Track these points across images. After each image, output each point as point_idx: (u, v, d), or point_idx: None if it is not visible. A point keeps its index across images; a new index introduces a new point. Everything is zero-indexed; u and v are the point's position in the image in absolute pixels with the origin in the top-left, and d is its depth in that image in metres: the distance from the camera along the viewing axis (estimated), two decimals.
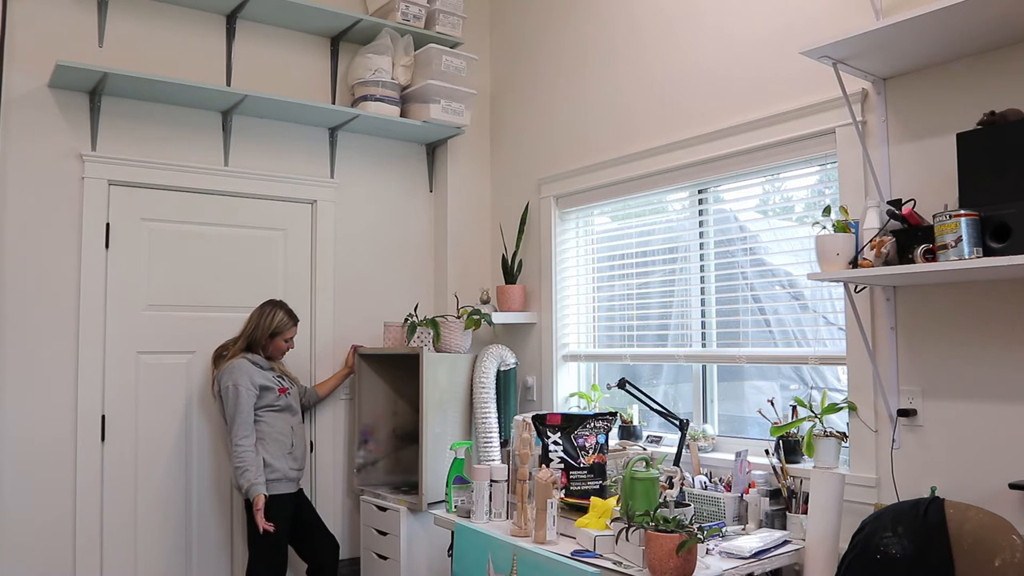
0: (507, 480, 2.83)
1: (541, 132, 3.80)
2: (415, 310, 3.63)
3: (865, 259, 2.14)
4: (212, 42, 3.47)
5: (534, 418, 2.79)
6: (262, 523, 2.95)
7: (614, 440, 3.23)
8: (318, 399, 3.55)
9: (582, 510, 2.54)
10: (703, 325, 3.07)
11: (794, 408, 2.59)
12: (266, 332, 3.21)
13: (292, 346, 3.32)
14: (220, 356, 3.23)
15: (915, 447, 2.31)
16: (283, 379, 3.25)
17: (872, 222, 2.20)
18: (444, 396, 3.38)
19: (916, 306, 2.33)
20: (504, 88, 4.07)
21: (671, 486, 2.58)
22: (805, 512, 2.39)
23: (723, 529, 2.42)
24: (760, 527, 2.48)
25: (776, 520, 2.46)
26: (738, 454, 2.62)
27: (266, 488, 3.02)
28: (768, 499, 2.47)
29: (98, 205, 3.17)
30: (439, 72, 3.69)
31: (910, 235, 2.11)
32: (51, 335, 3.06)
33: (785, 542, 2.34)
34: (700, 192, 3.10)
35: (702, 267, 3.09)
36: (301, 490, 3.30)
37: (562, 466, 2.68)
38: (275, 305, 3.26)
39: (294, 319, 3.29)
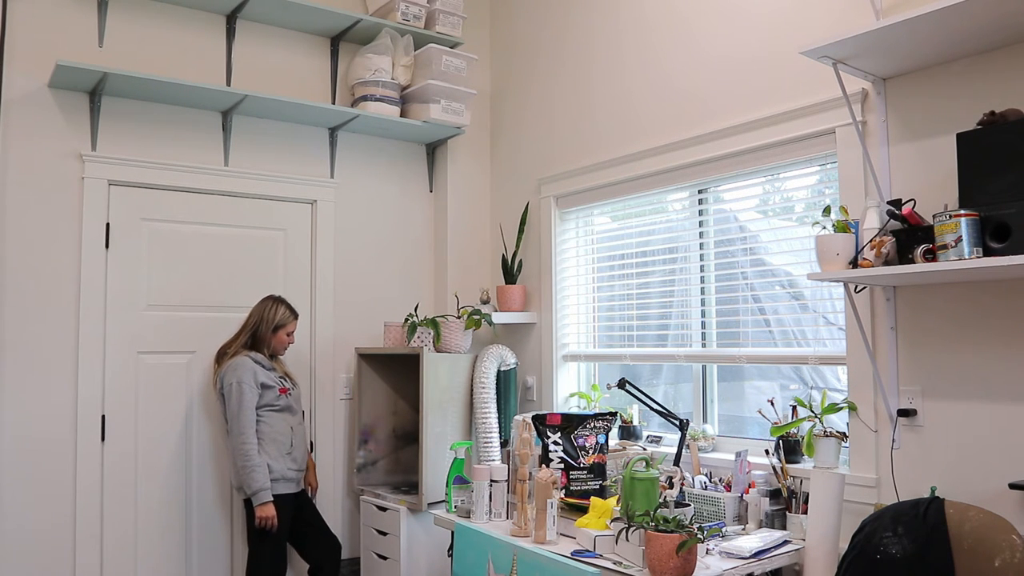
0: (507, 480, 2.83)
1: (541, 132, 3.80)
2: (415, 310, 3.63)
3: (865, 259, 2.14)
4: (212, 42, 3.47)
5: (534, 418, 2.79)
6: (266, 523, 2.98)
7: (614, 440, 3.23)
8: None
9: (582, 510, 2.54)
10: (703, 325, 3.07)
11: (794, 408, 2.59)
12: (270, 326, 3.22)
13: (293, 340, 3.32)
14: (223, 354, 3.22)
15: (915, 447, 2.31)
16: (285, 379, 3.25)
17: (872, 222, 2.20)
18: (444, 396, 3.38)
19: (916, 306, 2.33)
20: (504, 88, 4.07)
21: (671, 486, 2.58)
22: (805, 512, 2.39)
23: (723, 529, 2.42)
24: (760, 527, 2.48)
25: (776, 520, 2.46)
26: (738, 454, 2.62)
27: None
28: (768, 499, 2.47)
29: (98, 205, 3.17)
30: (439, 72, 3.69)
31: (910, 235, 2.11)
32: (51, 335, 3.06)
33: (785, 542, 2.34)
34: (700, 192, 3.10)
35: (702, 267, 3.09)
36: (304, 490, 3.30)
37: (562, 466, 2.68)
38: (276, 300, 3.28)
39: (295, 313, 3.31)
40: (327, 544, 3.28)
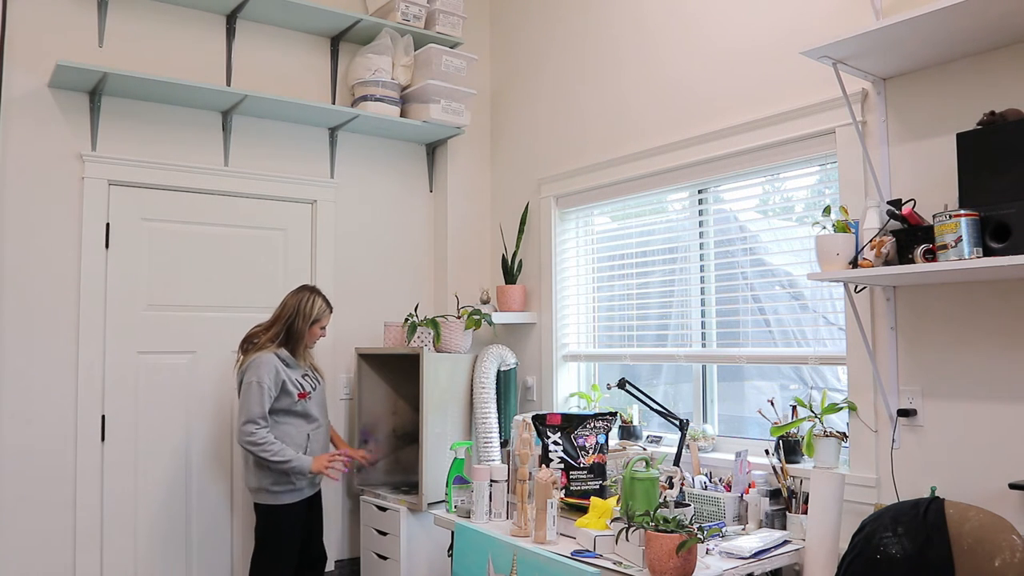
0: (507, 480, 2.83)
1: (541, 132, 3.80)
2: (415, 310, 3.63)
3: (865, 259, 2.14)
4: (212, 42, 3.47)
5: (534, 418, 2.79)
6: (353, 455, 3.17)
7: (614, 440, 3.23)
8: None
9: (582, 510, 2.54)
10: (703, 325, 3.07)
11: (794, 408, 2.59)
12: (307, 320, 3.06)
13: (325, 335, 3.20)
14: (250, 343, 3.06)
15: (915, 447, 2.31)
16: (307, 379, 3.10)
17: (872, 222, 2.20)
18: (444, 396, 3.38)
19: (916, 306, 2.33)
20: (504, 88, 4.07)
21: (671, 486, 2.58)
22: (805, 512, 2.39)
23: (723, 529, 2.42)
24: (760, 527, 2.48)
25: (776, 520, 2.46)
26: (738, 454, 2.62)
27: (277, 498, 2.95)
28: (768, 499, 2.47)
29: (98, 205, 3.17)
30: (439, 72, 3.69)
31: (910, 235, 2.11)
32: (51, 335, 3.06)
33: (785, 542, 2.34)
34: (700, 192, 3.10)
35: (702, 267, 3.09)
36: (318, 493, 3.21)
37: (562, 466, 2.68)
38: (312, 291, 3.12)
39: (330, 306, 3.17)
40: (314, 553, 3.20)
